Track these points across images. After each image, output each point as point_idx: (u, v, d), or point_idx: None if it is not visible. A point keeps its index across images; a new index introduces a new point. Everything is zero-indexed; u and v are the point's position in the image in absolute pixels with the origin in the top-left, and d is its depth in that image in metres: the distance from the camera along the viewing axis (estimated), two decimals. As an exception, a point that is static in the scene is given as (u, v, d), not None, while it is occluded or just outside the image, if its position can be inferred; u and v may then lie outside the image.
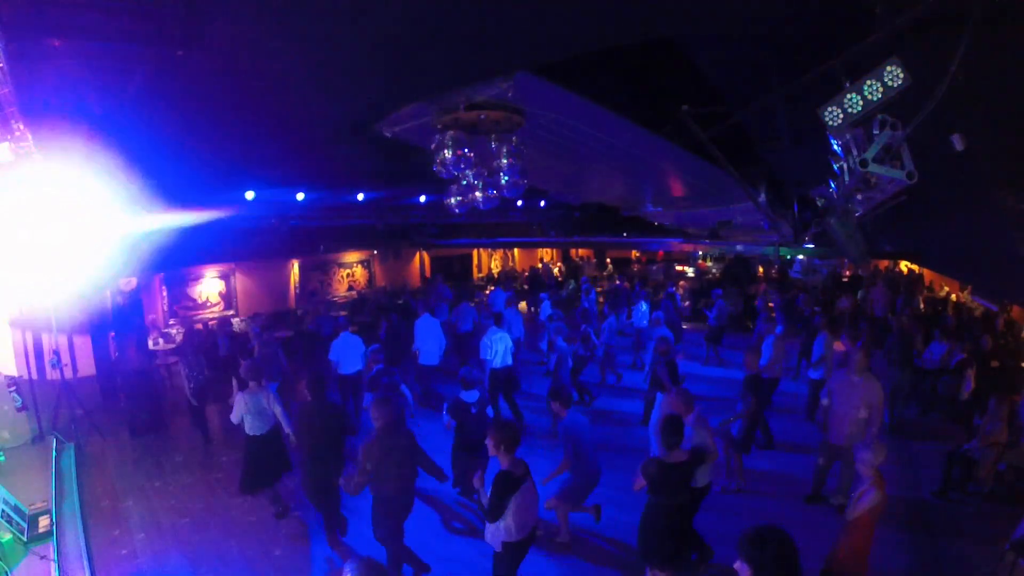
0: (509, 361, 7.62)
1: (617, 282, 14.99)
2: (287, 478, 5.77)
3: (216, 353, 8.98)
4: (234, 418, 5.37)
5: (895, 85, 2.87)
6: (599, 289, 16.17)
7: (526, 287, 17.22)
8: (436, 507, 5.81)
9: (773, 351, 7.20)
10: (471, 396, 5.46)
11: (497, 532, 3.62)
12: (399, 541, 4.34)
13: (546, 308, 10.93)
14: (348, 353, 7.66)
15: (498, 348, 7.44)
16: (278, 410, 5.44)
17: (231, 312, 13.12)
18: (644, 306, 10.40)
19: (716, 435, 4.92)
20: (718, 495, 5.79)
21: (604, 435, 7.04)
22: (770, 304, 11.74)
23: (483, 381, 7.07)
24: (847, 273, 15.94)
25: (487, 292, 14.73)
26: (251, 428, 5.35)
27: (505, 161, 5.10)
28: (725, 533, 5.16)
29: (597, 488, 5.04)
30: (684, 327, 11.69)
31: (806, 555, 2.17)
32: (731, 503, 5.70)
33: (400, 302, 13.57)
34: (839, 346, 7.52)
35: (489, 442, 3.62)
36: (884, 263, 15.26)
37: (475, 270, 19.99)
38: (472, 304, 11.09)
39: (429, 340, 8.46)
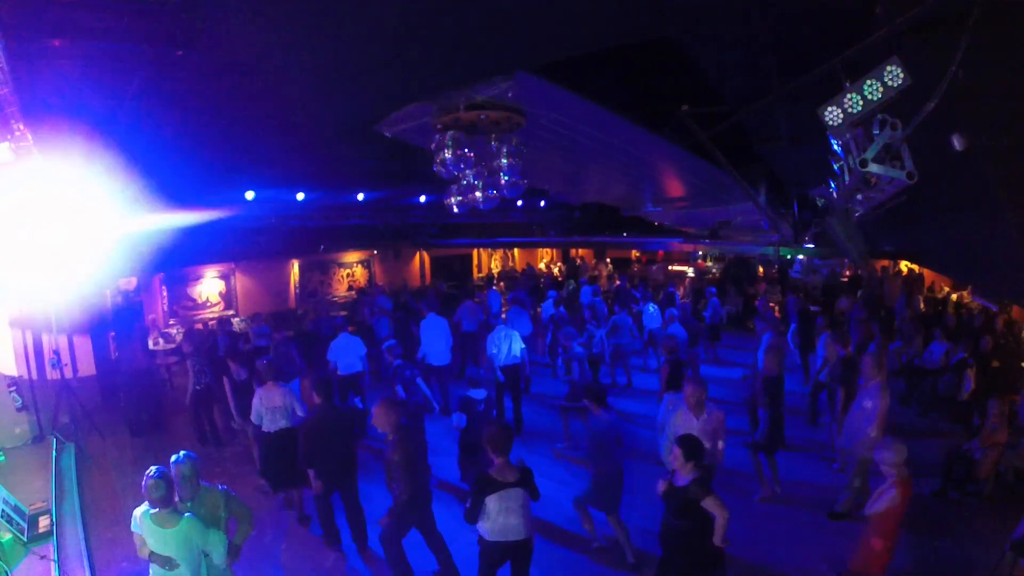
0: (516, 359, 7.53)
1: (618, 282, 14.91)
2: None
3: (216, 353, 8.96)
4: (253, 416, 5.50)
5: (895, 85, 2.88)
6: (602, 286, 16.00)
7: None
8: (445, 504, 5.77)
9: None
10: (479, 394, 5.55)
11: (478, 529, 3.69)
12: (399, 543, 4.32)
13: (547, 308, 10.53)
14: (347, 354, 7.62)
15: (503, 345, 7.39)
16: (297, 407, 5.52)
17: (231, 312, 13.11)
18: (652, 307, 10.16)
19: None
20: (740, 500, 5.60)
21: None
22: (771, 305, 11.64)
23: (492, 379, 7.09)
24: (847, 273, 15.90)
25: (502, 288, 14.14)
26: (268, 425, 5.47)
27: (505, 161, 5.10)
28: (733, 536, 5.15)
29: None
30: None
31: (821, 558, 2.11)
32: (743, 507, 5.51)
33: (401, 301, 13.51)
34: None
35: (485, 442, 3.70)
36: (884, 263, 15.21)
37: (475, 270, 20.00)
38: (476, 303, 10.90)
39: (439, 341, 8.18)
